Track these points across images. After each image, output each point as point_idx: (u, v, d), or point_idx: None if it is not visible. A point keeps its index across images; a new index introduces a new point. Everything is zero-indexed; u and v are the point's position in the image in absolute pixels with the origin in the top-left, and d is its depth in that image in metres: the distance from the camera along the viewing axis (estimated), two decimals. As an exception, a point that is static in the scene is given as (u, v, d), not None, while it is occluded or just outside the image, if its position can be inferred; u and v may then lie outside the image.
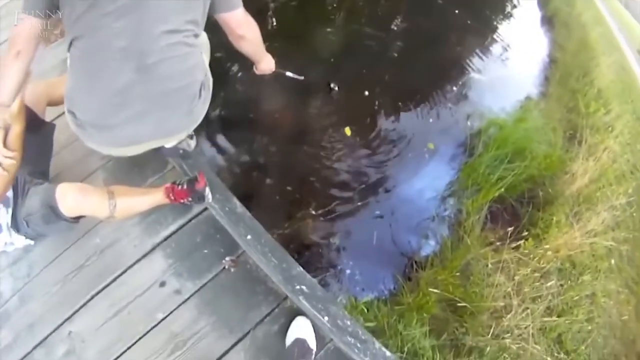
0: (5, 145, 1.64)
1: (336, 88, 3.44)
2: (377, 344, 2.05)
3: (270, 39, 2.40)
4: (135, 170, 2.43)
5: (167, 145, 2.19)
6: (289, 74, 2.79)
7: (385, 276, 3.12)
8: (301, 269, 2.11)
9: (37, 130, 1.94)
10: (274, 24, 4.85)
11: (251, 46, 2.05)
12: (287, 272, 2.08)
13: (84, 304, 2.11)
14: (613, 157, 5.30)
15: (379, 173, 3.64)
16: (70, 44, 1.58)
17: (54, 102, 2.05)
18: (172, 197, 2.09)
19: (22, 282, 2.15)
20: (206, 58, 1.99)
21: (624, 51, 13.08)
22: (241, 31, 1.89)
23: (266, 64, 2.29)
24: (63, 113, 2.10)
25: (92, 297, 2.12)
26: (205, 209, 2.32)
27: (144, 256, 2.22)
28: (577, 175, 4.45)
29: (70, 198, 1.75)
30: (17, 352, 1.99)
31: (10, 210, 1.85)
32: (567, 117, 6.00)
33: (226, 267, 2.19)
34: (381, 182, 3.58)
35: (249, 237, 2.14)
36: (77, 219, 1.88)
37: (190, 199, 2.10)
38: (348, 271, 3.01)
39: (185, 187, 2.08)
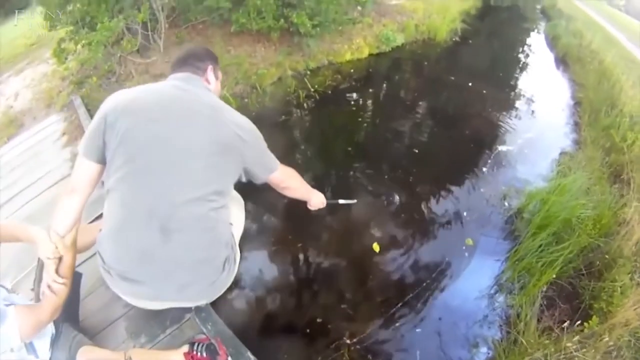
0: (57, 273, 1.78)
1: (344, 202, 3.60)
2: None
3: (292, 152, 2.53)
4: (156, 319, 2.44)
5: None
6: (341, 201, 2.98)
7: None
8: None
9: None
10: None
11: (297, 192, 2.32)
12: None
13: None
14: None
15: (415, 285, 3.53)
16: (107, 193, 1.71)
17: (81, 248, 2.08)
18: None
19: None
20: (238, 217, 2.19)
21: (640, 61, 12.70)
22: (284, 184, 2.15)
23: (316, 199, 2.50)
24: (90, 257, 2.36)
25: None
26: None
27: None
28: (633, 224, 4.17)
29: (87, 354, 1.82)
30: None
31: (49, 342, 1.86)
32: (607, 160, 5.81)
33: None
34: (420, 295, 3.45)
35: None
36: None
37: None
38: None
39: (205, 355, 2.06)
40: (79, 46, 5.24)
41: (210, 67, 2.04)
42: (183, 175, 1.66)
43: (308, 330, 3.09)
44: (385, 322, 3.22)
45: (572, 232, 3.96)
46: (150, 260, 1.67)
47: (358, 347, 3.01)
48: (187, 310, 2.38)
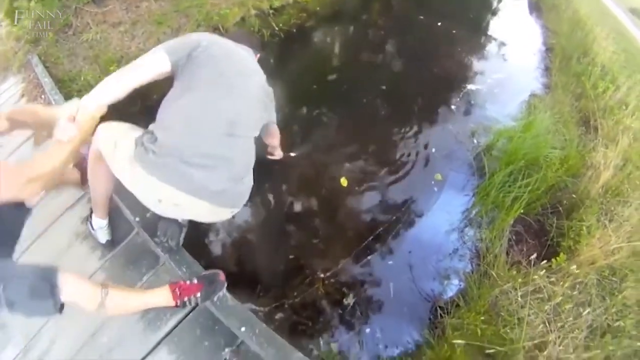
0: None
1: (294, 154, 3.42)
2: None
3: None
4: (131, 267, 2.52)
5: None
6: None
7: (407, 328, 2.92)
8: (300, 354, 2.06)
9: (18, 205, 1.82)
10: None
11: (278, 139, 2.90)
12: (286, 359, 2.05)
13: None
14: (634, 135, 5.02)
15: (385, 220, 3.50)
16: (183, 91, 1.88)
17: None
18: (178, 294, 2.04)
19: None
20: None
21: (617, 15, 12.84)
22: (276, 133, 2.81)
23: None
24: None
25: None
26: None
27: (150, 353, 2.24)
28: (600, 168, 4.17)
29: (71, 281, 1.72)
30: None
31: None
32: (576, 105, 5.78)
33: (227, 358, 2.16)
34: (390, 229, 3.43)
35: (242, 329, 2.13)
36: (62, 307, 1.75)
37: (199, 294, 2.08)
38: (367, 330, 2.84)
39: (195, 281, 2.09)
40: (32, 3, 4.84)
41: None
42: (247, 116, 2.02)
43: (282, 268, 3.09)
44: (357, 256, 3.23)
45: (540, 170, 3.91)
46: (210, 153, 1.81)
47: (332, 280, 3.04)
48: (169, 249, 2.43)
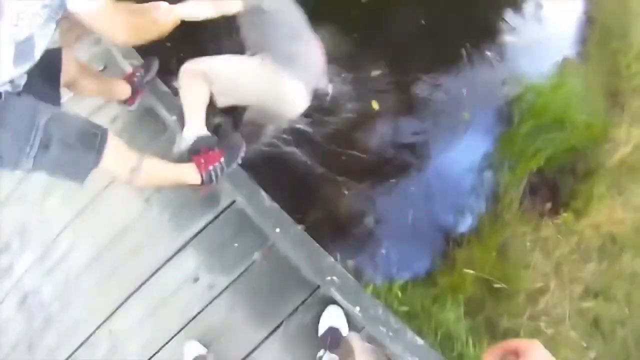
0: None
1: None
2: (409, 333, 2.01)
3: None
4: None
5: None
6: None
7: (420, 255, 3.05)
8: (332, 259, 2.09)
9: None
10: None
11: None
12: (317, 263, 2.07)
13: (122, 303, 2.22)
14: None
15: (411, 148, 3.52)
16: None
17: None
18: (203, 162, 2.00)
19: (61, 288, 2.33)
20: None
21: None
22: None
23: None
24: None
25: (129, 296, 2.22)
26: (233, 202, 2.31)
27: (177, 253, 2.27)
28: (620, 144, 4.22)
29: (112, 142, 1.67)
30: (63, 351, 2.17)
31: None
32: (608, 80, 5.63)
33: (258, 260, 2.18)
34: (415, 157, 3.49)
35: (277, 230, 2.12)
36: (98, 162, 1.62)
37: (222, 160, 2.04)
38: (383, 252, 2.94)
39: (216, 149, 2.04)
40: None
41: None
42: None
43: (311, 179, 3.16)
44: (381, 179, 3.32)
45: (564, 130, 3.93)
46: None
47: (354, 198, 3.17)
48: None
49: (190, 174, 1.98)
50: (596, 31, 6.74)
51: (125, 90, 2.41)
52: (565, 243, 3.09)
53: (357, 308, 2.01)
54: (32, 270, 2.43)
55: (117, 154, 1.69)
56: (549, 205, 3.31)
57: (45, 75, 1.70)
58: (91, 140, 1.57)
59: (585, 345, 2.79)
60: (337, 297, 2.03)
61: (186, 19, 1.90)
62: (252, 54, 2.23)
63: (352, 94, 3.69)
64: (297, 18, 2.25)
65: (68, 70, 1.90)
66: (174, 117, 2.41)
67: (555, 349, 2.59)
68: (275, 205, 2.20)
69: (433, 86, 4.15)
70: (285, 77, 2.10)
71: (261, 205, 2.19)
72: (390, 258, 2.94)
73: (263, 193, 2.22)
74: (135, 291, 2.22)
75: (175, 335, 2.13)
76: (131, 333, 2.17)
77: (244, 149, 2.13)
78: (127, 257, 2.30)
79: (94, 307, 2.25)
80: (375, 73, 3.95)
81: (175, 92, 2.40)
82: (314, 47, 2.29)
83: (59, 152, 1.50)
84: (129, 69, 2.56)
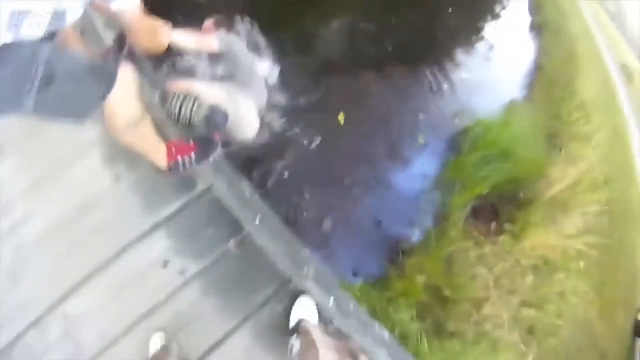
0: None
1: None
2: (377, 326, 2.17)
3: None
4: None
5: None
6: None
7: (374, 261, 3.29)
8: (309, 251, 2.12)
9: None
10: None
11: None
12: (295, 254, 2.08)
13: (81, 283, 1.99)
14: (589, 166, 5.59)
15: (370, 161, 3.80)
16: None
17: None
18: (172, 152, 1.99)
19: (11, 259, 2.02)
20: None
21: (608, 65, 13.59)
22: None
23: None
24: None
25: (89, 276, 2.00)
26: (209, 188, 2.21)
27: (145, 234, 2.10)
28: (555, 181, 4.71)
29: (123, 74, 1.56)
30: (8, 332, 1.91)
31: None
32: (550, 123, 6.26)
33: (231, 248, 2.12)
34: (373, 170, 3.76)
35: (257, 220, 2.10)
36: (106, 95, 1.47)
37: (192, 154, 2.02)
38: (339, 254, 3.14)
39: (191, 142, 2.05)
40: None
41: None
42: None
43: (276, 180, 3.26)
44: (341, 187, 3.52)
45: (508, 162, 4.30)
46: None
47: (314, 202, 3.27)
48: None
49: (160, 156, 1.96)
50: (543, 78, 7.43)
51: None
52: (503, 260, 3.46)
53: (331, 299, 2.07)
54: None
55: (124, 95, 1.57)
56: (491, 225, 3.57)
57: None
58: (100, 71, 1.46)
59: (524, 348, 3.05)
60: (313, 288, 2.05)
61: (173, 44, 2.04)
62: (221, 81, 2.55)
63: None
64: (251, 60, 2.63)
65: None
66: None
67: (498, 351, 2.88)
68: (256, 195, 2.21)
69: (395, 107, 4.48)
70: (242, 99, 2.38)
71: (241, 194, 2.17)
72: (347, 261, 3.18)
73: (244, 182, 2.22)
74: (95, 271, 2.00)
75: (138, 322, 1.97)
76: (88, 317, 1.95)
77: (218, 149, 2.14)
78: (90, 233, 2.05)
79: (48, 285, 1.98)
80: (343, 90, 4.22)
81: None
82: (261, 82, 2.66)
83: (63, 86, 1.32)
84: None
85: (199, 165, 2.07)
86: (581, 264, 4.32)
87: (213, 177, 2.17)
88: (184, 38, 2.15)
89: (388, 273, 3.17)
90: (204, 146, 2.07)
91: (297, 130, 3.62)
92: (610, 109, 9.16)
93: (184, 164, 2.00)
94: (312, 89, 3.94)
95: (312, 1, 5.19)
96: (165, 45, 1.84)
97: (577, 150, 5.79)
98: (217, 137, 2.15)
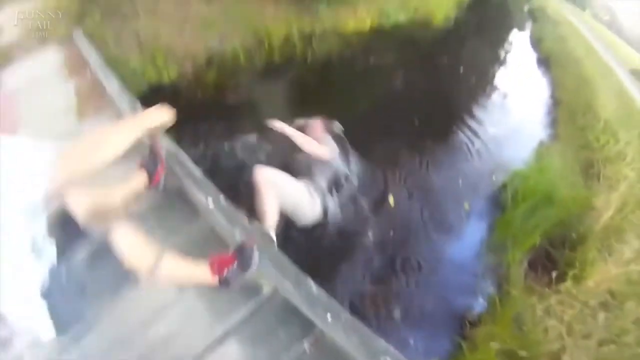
0: None
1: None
2: None
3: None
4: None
5: None
6: None
7: (442, 339, 3.34)
8: (384, 342, 1.99)
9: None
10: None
11: None
12: (370, 346, 1.95)
13: None
14: (630, 184, 5.57)
15: (424, 238, 4.00)
16: None
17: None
18: (215, 268, 1.99)
19: None
20: None
21: (618, 74, 13.66)
22: None
23: None
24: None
25: None
26: (275, 290, 2.23)
27: (216, 343, 2.08)
28: (602, 210, 4.76)
29: (124, 228, 1.76)
30: None
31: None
32: (581, 154, 6.39)
33: (307, 349, 2.09)
34: (428, 247, 3.93)
35: (328, 316, 2.00)
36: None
37: (235, 265, 2.01)
38: (410, 339, 3.21)
39: (229, 253, 2.05)
40: None
41: None
42: None
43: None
44: (396, 270, 3.68)
45: (552, 206, 4.46)
46: None
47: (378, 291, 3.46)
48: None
49: (205, 276, 1.97)
50: (564, 111, 7.67)
51: (142, 177, 2.33)
52: (571, 307, 3.47)
53: (411, 384, 2.10)
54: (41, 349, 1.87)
55: (135, 250, 1.75)
56: (552, 275, 3.69)
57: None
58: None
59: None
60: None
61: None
62: (299, 179, 3.16)
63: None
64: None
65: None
66: (210, 199, 2.39)
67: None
68: (323, 291, 2.12)
69: (437, 179, 4.78)
70: (315, 197, 3.12)
71: (309, 292, 2.08)
72: (419, 343, 3.22)
73: (309, 280, 2.14)
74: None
75: None
76: None
77: (256, 256, 2.08)
78: (158, 346, 2.03)
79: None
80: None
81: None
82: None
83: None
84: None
85: (245, 274, 2.03)
86: (650, 285, 4.23)
87: (278, 278, 2.14)
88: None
89: (460, 348, 3.21)
90: (241, 254, 2.05)
91: (356, 220, 3.87)
92: (633, 118, 9.13)
93: (232, 276, 1.99)
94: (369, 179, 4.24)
95: (343, 99, 5.70)
96: None
97: (615, 172, 5.85)
98: (250, 244, 2.10)
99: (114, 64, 4.08)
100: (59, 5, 5.13)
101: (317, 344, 2.09)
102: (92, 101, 3.34)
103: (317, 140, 3.35)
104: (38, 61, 4.38)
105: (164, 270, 1.79)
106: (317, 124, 3.67)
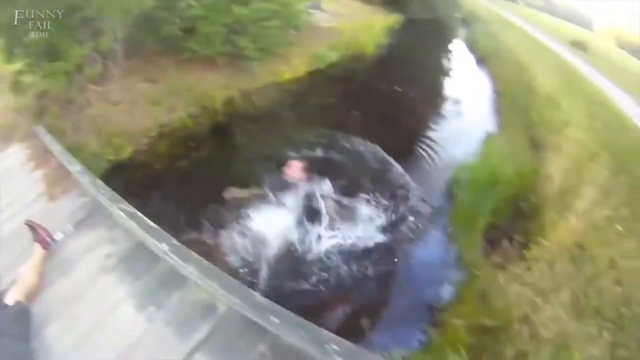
0: None
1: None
2: None
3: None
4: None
5: None
6: None
7: (415, 331, 3.33)
8: (326, 331, 2.08)
9: None
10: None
11: None
12: (316, 336, 2.05)
13: None
14: (579, 141, 5.86)
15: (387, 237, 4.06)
16: None
17: None
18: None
19: None
20: None
21: (556, 50, 14.04)
22: None
23: None
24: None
25: None
26: (230, 307, 2.37)
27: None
28: (553, 174, 4.92)
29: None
30: None
31: None
32: (527, 133, 6.59)
33: (264, 351, 2.18)
34: (392, 247, 3.99)
35: (274, 319, 2.15)
36: None
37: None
38: (380, 338, 3.23)
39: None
40: (38, 78, 5.35)
41: None
42: None
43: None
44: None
45: (497, 185, 4.61)
46: None
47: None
48: None
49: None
50: (505, 99, 7.97)
51: (37, 247, 2.78)
52: (537, 269, 3.48)
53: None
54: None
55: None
56: (515, 247, 3.76)
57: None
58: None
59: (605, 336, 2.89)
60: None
61: None
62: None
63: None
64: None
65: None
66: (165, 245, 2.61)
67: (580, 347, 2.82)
68: (265, 299, 2.28)
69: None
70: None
71: (253, 301, 2.26)
72: (392, 340, 3.22)
73: (252, 291, 2.34)
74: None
75: None
76: None
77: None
78: None
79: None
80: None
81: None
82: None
83: None
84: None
85: None
86: (618, 227, 4.05)
87: (227, 296, 2.32)
88: None
89: (432, 335, 3.21)
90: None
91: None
92: (575, 86, 9.37)
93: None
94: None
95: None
96: None
97: (561, 138, 6.03)
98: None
99: (75, 150, 4.42)
100: (18, 106, 5.43)
101: (272, 346, 2.18)
102: (59, 185, 3.64)
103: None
104: (4, 158, 4.69)
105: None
106: (296, 164, 4.13)
